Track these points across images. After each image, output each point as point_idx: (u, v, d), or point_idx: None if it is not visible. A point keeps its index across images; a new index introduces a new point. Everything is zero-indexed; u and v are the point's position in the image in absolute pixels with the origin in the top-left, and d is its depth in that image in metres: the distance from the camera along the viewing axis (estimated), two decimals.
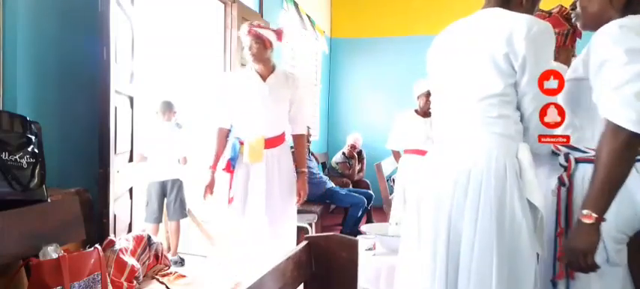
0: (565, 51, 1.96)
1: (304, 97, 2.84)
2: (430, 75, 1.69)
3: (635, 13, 1.36)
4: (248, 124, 2.73)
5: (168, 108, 4.01)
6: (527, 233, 1.41)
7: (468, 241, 1.45)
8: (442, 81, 1.63)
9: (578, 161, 1.48)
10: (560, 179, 1.48)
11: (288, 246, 2.73)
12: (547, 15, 1.95)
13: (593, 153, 1.40)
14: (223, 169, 2.73)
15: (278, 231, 2.74)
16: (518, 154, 1.47)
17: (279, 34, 2.75)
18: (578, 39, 1.98)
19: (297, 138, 2.87)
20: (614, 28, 1.31)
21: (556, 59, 1.88)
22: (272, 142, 2.74)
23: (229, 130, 2.85)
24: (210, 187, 2.75)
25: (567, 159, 1.48)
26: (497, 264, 1.40)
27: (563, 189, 1.48)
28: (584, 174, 1.45)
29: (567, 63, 1.91)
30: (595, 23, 1.44)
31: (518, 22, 1.44)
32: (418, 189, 1.62)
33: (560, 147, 1.54)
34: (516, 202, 1.43)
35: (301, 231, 4.49)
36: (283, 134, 2.81)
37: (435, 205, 1.51)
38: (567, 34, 1.93)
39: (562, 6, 1.96)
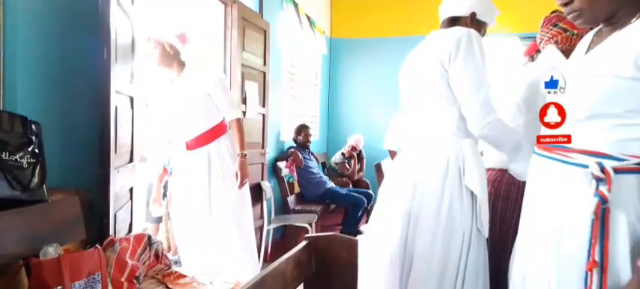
0: None
1: (220, 84, 2.86)
2: (400, 91, 2.02)
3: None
4: (174, 129, 2.90)
5: None
6: (460, 218, 1.72)
7: (415, 221, 1.77)
8: (403, 93, 1.98)
9: (616, 171, 1.16)
10: (601, 195, 1.15)
11: (244, 237, 2.88)
12: (563, 16, 1.99)
13: (634, 160, 1.17)
14: (163, 175, 3.04)
15: (231, 223, 2.83)
16: (462, 149, 1.75)
17: (181, 37, 2.83)
18: None
19: (231, 124, 2.94)
20: None
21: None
22: (200, 140, 2.83)
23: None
24: (156, 200, 3.08)
25: (603, 169, 1.16)
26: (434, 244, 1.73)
27: (602, 208, 1.16)
28: (625, 189, 1.16)
29: None
30: (605, 18, 1.31)
31: (450, 32, 1.75)
32: (384, 183, 1.97)
33: (568, 153, 1.27)
34: (455, 194, 1.73)
35: (301, 231, 4.50)
36: (215, 128, 2.86)
37: (395, 197, 1.85)
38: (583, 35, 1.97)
39: None
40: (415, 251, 1.78)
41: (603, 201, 1.14)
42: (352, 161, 6.07)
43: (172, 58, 2.79)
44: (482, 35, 1.93)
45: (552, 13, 2.08)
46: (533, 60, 2.26)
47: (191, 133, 2.83)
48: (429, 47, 1.84)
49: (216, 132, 2.85)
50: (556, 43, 2.03)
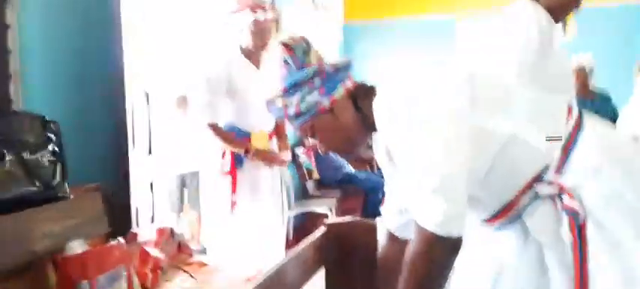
0: None
1: None
2: None
3: None
4: (247, 118, 2.53)
5: (184, 102, 4.06)
6: None
7: None
8: None
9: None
10: (570, 209, 1.02)
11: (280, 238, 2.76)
12: None
13: None
14: (226, 172, 2.52)
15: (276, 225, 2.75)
16: None
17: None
18: None
19: None
20: None
21: None
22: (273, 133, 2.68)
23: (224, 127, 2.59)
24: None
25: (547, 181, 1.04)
26: None
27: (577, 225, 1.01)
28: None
29: None
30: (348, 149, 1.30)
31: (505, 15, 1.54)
32: None
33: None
34: None
35: (321, 217, 4.51)
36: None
37: None
38: None
39: None
40: None
41: (575, 214, 1.00)
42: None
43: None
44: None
45: None
46: None
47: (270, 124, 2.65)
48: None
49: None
50: None
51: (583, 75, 3.75)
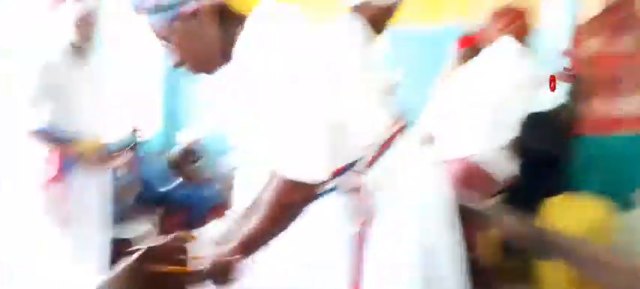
0: None
1: None
2: None
3: None
4: (72, 118, 2.36)
5: None
6: None
7: None
8: None
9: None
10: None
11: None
12: None
13: None
14: (51, 180, 2.30)
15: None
16: None
17: None
18: None
19: None
20: None
21: None
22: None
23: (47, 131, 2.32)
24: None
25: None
26: None
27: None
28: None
29: None
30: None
31: None
32: None
33: None
34: None
35: (142, 236, 4.29)
36: None
37: None
38: None
39: None
40: None
41: (367, 209, 1.12)
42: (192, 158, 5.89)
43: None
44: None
45: None
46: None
47: None
48: None
49: None
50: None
51: (391, 89, 4.25)
